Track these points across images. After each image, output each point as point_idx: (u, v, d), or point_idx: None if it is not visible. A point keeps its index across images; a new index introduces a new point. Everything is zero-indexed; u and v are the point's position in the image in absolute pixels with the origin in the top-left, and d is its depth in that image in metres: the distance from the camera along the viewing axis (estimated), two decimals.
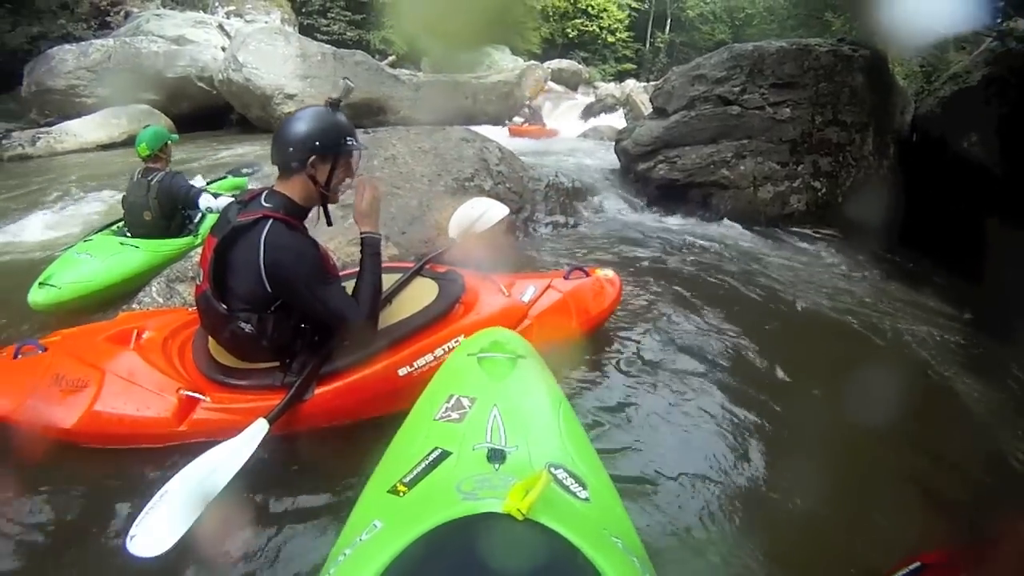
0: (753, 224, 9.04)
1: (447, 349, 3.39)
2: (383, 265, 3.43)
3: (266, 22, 22.16)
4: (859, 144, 9.32)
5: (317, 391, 3.23)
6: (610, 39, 49.05)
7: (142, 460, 3.11)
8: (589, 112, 25.97)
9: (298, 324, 3.18)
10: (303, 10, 30.08)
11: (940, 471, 3.83)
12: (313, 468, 3.16)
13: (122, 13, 20.62)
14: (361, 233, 3.40)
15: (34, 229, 7.70)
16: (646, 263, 6.82)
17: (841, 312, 6.12)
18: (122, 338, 3.49)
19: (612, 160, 11.21)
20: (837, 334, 5.65)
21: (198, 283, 3.20)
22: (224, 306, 3.02)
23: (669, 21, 52.86)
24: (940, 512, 3.49)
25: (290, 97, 15.11)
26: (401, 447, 2.33)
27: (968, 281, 7.35)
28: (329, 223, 3.42)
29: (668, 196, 9.58)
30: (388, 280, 3.56)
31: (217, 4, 23.47)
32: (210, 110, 17.27)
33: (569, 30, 47.26)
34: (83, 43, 16.61)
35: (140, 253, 5.56)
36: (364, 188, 3.40)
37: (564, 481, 1.94)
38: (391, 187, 5.86)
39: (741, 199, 9.20)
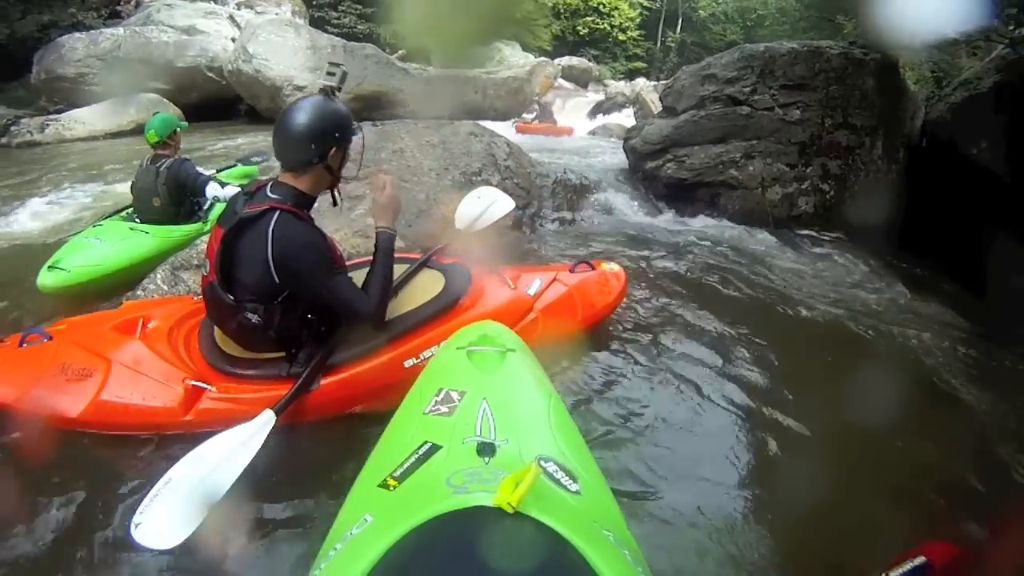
0: (760, 225, 9.02)
1: None
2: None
3: (276, 14, 22.14)
4: (868, 148, 9.28)
5: (323, 382, 3.24)
6: (621, 37, 49.02)
7: (147, 449, 3.13)
8: (598, 110, 25.99)
9: (304, 315, 3.19)
10: (313, 2, 30.08)
11: (941, 472, 3.83)
12: (309, 460, 3.17)
13: (133, 2, 20.65)
14: (376, 227, 3.40)
15: (41, 215, 7.75)
16: (652, 260, 6.82)
17: (845, 315, 6.11)
18: (128, 327, 3.49)
19: (621, 158, 11.15)
20: (840, 336, 5.64)
21: (204, 273, 3.21)
22: (231, 297, 3.03)
23: (680, 20, 52.87)
24: (941, 511, 3.49)
25: (299, 89, 15.06)
26: (391, 441, 2.33)
27: (974, 288, 7.33)
28: (335, 204, 3.44)
29: (676, 195, 9.57)
30: (395, 271, 3.54)
31: None
32: (219, 100, 17.30)
33: (580, 27, 47.24)
34: (93, 31, 16.66)
35: (150, 238, 5.59)
36: (383, 183, 3.43)
37: (554, 474, 1.95)
38: (399, 180, 5.83)
39: (749, 200, 9.16)
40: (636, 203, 9.21)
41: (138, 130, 7.41)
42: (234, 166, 8.21)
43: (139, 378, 3.17)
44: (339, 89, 3.25)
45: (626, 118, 22.79)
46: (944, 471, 3.83)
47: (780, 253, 8.09)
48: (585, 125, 22.31)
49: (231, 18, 19.66)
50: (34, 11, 17.52)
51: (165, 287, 4.65)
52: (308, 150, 3.06)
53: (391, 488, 1.93)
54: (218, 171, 6.92)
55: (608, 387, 4.05)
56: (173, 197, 5.77)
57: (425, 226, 5.53)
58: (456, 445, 2.11)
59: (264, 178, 3.30)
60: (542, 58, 29.14)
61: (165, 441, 3.13)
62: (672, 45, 52.72)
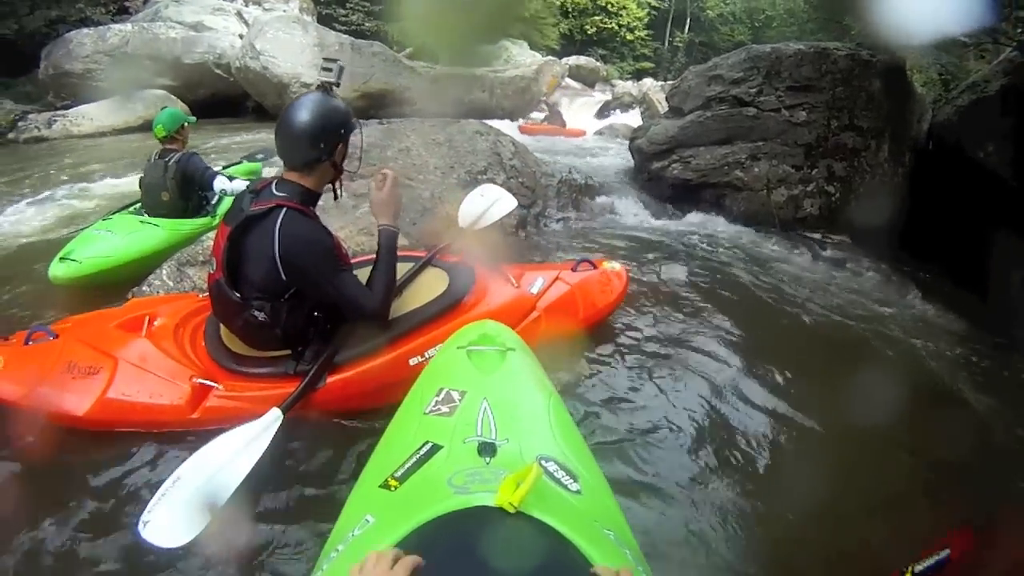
0: (765, 226, 9.01)
1: None
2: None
3: (284, 11, 22.11)
4: (875, 150, 9.27)
5: (328, 379, 3.26)
6: (629, 37, 48.88)
7: (154, 446, 3.14)
8: (605, 110, 25.92)
9: (311, 313, 3.22)
10: None
11: (946, 471, 3.86)
12: (312, 459, 3.18)
13: None
14: (379, 225, 3.41)
15: (47, 211, 7.76)
16: (655, 260, 6.83)
17: (849, 317, 6.13)
18: (134, 325, 3.52)
19: (626, 158, 11.20)
20: (843, 338, 5.66)
21: (211, 271, 3.23)
22: (238, 294, 3.06)
23: (689, 21, 52.71)
24: (953, 505, 3.51)
25: (306, 86, 14.70)
26: (392, 441, 2.35)
27: (980, 292, 7.32)
28: (337, 197, 3.47)
29: (681, 196, 9.57)
30: (400, 269, 3.58)
31: None
32: (227, 97, 17.32)
33: (588, 27, 47.10)
34: (101, 27, 16.67)
35: (160, 231, 5.64)
36: (384, 179, 3.43)
37: (555, 473, 1.96)
38: (404, 178, 5.88)
39: (754, 201, 9.16)
40: (641, 203, 9.19)
41: (145, 126, 7.42)
42: (239, 163, 8.23)
43: (146, 376, 3.19)
44: (337, 84, 3.27)
45: (633, 118, 22.68)
46: (950, 471, 3.85)
47: (784, 255, 8.10)
48: (592, 125, 22.24)
49: (239, 14, 19.68)
50: (42, 6, 17.51)
51: (171, 283, 4.67)
52: (316, 149, 3.08)
53: (392, 489, 1.95)
54: (224, 168, 6.92)
55: (609, 386, 4.07)
56: (182, 191, 5.79)
57: (430, 224, 5.54)
58: (457, 445, 2.12)
59: (269, 176, 3.31)
60: (549, 57, 29.08)
61: (172, 439, 3.14)
62: (680, 45, 52.54)
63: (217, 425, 2.96)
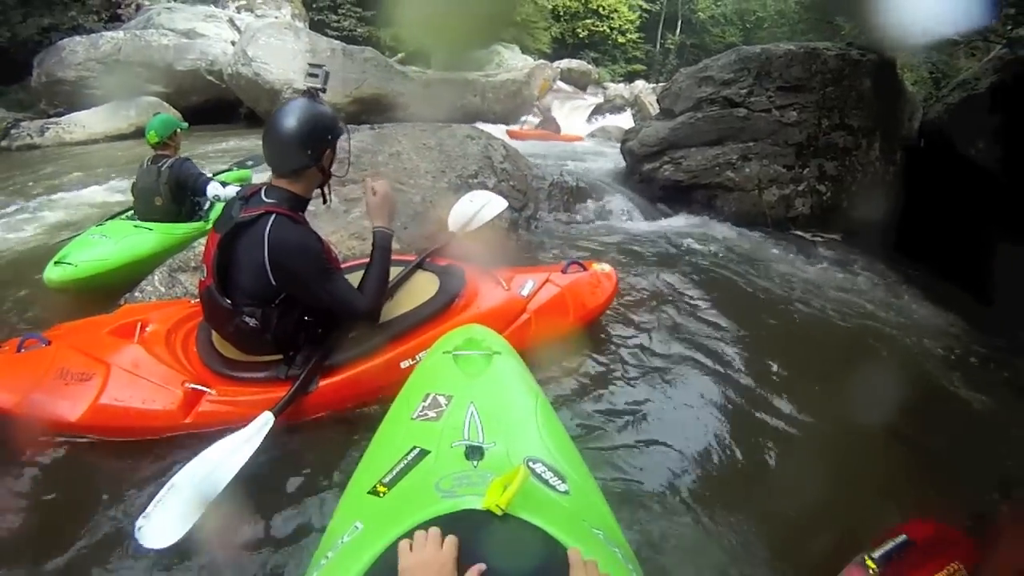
0: (757, 226, 9.04)
1: None
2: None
3: (276, 17, 22.14)
4: (865, 149, 9.30)
5: (320, 383, 3.28)
6: (620, 40, 48.85)
7: (148, 452, 3.14)
8: (597, 112, 25.88)
9: (301, 317, 3.23)
10: (313, 5, 30.02)
11: (927, 463, 3.91)
12: (303, 465, 3.17)
13: (133, 6, 20.65)
14: (373, 227, 3.44)
15: (40, 218, 7.77)
16: (647, 261, 6.85)
17: (839, 315, 6.16)
18: (126, 331, 3.52)
19: (618, 160, 11.21)
20: (832, 336, 5.70)
21: (202, 278, 3.23)
22: (228, 301, 3.07)
23: (680, 23, 52.72)
24: (928, 498, 3.53)
25: (298, 92, 14.50)
26: (380, 447, 2.36)
27: (971, 289, 7.34)
28: (326, 201, 3.48)
29: (673, 197, 9.60)
30: (391, 272, 3.58)
31: None
32: (219, 104, 17.30)
33: (579, 30, 47.04)
34: (93, 35, 16.70)
35: (154, 235, 5.65)
36: (374, 184, 3.45)
37: (543, 475, 1.97)
38: (395, 183, 5.87)
39: (746, 201, 9.19)
40: (633, 205, 9.19)
41: (138, 133, 7.43)
42: (229, 170, 8.23)
43: (138, 382, 3.19)
44: (323, 90, 3.30)
45: (625, 120, 22.67)
46: (929, 463, 3.90)
47: (776, 254, 8.11)
48: (583, 128, 22.20)
49: (231, 21, 19.69)
50: (35, 14, 17.53)
51: (163, 289, 4.66)
52: (304, 155, 3.09)
53: (381, 495, 1.95)
54: (214, 175, 6.94)
55: (598, 387, 4.08)
56: (174, 196, 5.81)
57: (421, 228, 5.54)
58: (444, 449, 2.12)
59: (258, 182, 3.32)
60: (541, 61, 29.10)
61: (164, 444, 3.15)
62: (671, 47, 52.58)
63: (210, 430, 2.98)
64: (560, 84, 30.84)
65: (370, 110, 15.85)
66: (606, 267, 4.73)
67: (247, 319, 3.07)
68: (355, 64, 16.17)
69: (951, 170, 8.81)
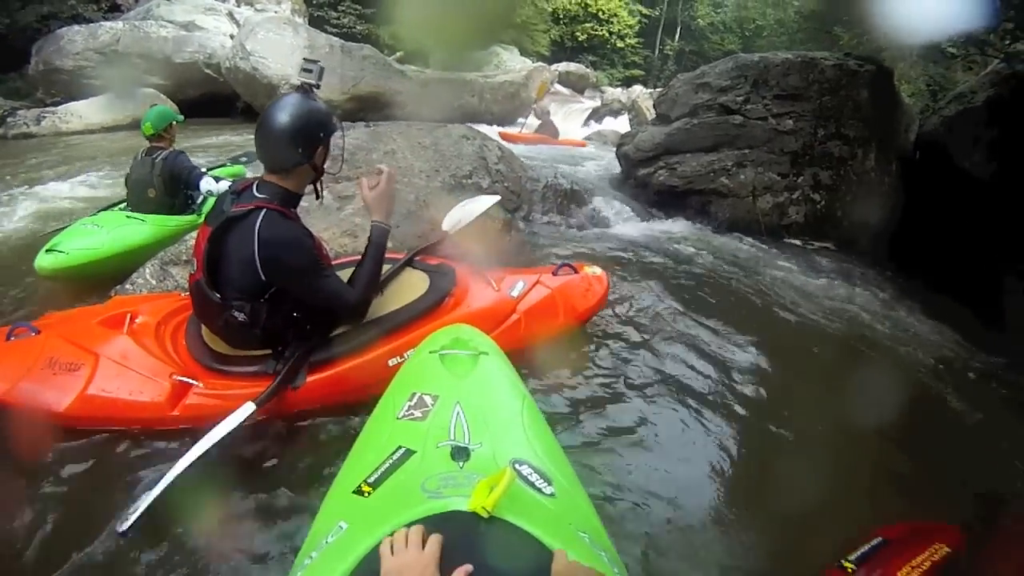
0: (750, 233, 9.07)
1: None
2: None
3: (276, 12, 22.06)
4: (861, 159, 9.32)
5: (308, 379, 3.27)
6: (619, 44, 48.85)
7: (133, 444, 3.13)
8: (594, 116, 25.87)
9: (290, 313, 3.22)
10: (313, 2, 30.00)
11: (912, 473, 3.91)
12: (288, 464, 3.16)
13: None
14: (372, 221, 3.47)
15: (34, 207, 7.73)
16: (638, 265, 6.85)
17: (830, 323, 6.18)
18: (115, 322, 3.50)
19: (614, 164, 11.28)
20: (822, 343, 5.72)
21: (192, 272, 3.23)
22: (218, 295, 3.06)
23: (679, 29, 52.74)
24: (910, 506, 3.54)
25: (294, 87, 14.42)
26: (365, 447, 2.35)
27: (964, 301, 7.37)
28: (319, 197, 3.52)
29: (667, 202, 9.62)
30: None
31: None
32: (217, 97, 17.23)
33: (579, 33, 47.02)
34: (93, 25, 16.66)
35: (146, 227, 5.65)
36: (379, 176, 3.49)
37: (529, 477, 1.97)
38: None
39: (740, 208, 9.21)
40: (627, 209, 9.18)
41: (134, 125, 7.39)
42: (223, 165, 8.22)
43: (126, 373, 3.18)
44: (317, 86, 3.28)
45: (622, 125, 22.63)
46: (914, 470, 3.90)
47: (768, 261, 8.13)
48: (580, 131, 22.14)
49: (230, 15, 19.63)
50: (34, 2, 17.48)
51: (154, 282, 4.66)
52: (295, 152, 3.09)
53: (366, 494, 1.95)
54: (208, 170, 6.93)
55: (586, 389, 4.09)
56: (168, 188, 5.81)
57: (414, 227, 5.54)
58: (430, 450, 2.12)
59: (250, 177, 3.31)
60: (539, 63, 29.10)
61: (151, 435, 3.14)
62: (670, 53, 52.54)
63: (197, 423, 2.97)
64: (558, 87, 30.84)
65: (367, 108, 15.82)
66: (597, 270, 4.71)
67: (236, 313, 3.06)
68: (353, 61, 16.15)
69: (946, 182, 8.86)
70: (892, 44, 9.92)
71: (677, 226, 9.20)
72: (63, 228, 5.53)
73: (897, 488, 3.76)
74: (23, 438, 3.04)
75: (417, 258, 4.15)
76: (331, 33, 20.31)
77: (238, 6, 21.53)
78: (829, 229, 9.30)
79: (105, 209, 6.02)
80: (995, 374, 5.75)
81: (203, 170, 6.11)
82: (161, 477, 2.60)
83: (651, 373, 4.43)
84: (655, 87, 35.24)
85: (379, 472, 2.02)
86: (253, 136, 3.17)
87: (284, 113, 3.07)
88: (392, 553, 1.45)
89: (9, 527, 2.68)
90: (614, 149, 11.63)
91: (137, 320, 3.53)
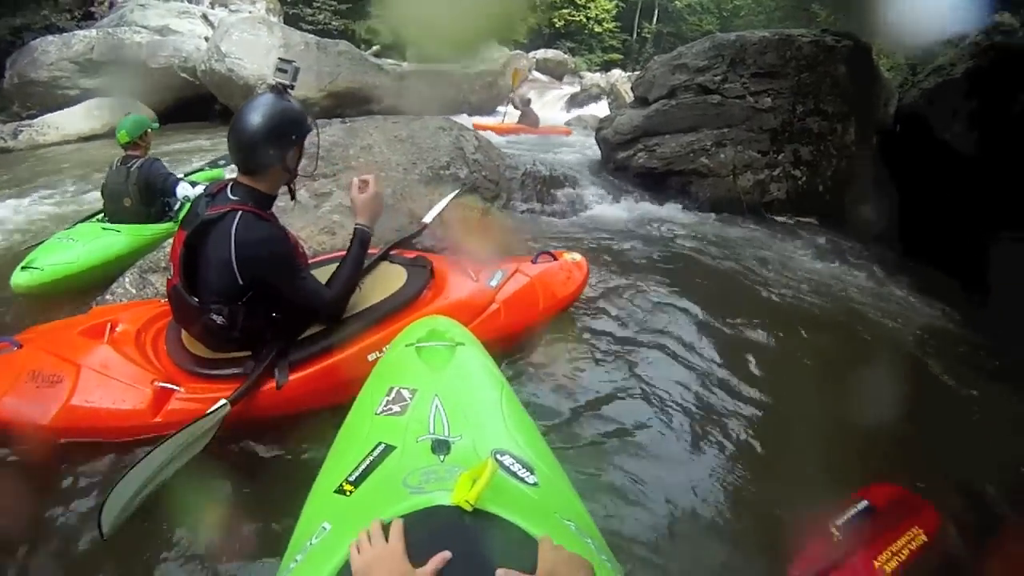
0: (732, 212, 9.16)
1: None
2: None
3: (250, 11, 21.98)
4: (841, 134, 9.39)
5: (290, 377, 3.25)
6: (597, 29, 48.95)
7: (119, 452, 3.11)
8: (574, 102, 25.95)
9: (269, 314, 3.21)
10: None
11: (894, 438, 3.93)
12: (271, 465, 3.16)
13: (106, 3, 20.47)
14: (356, 223, 3.48)
15: (13, 222, 7.67)
16: (619, 249, 6.88)
17: (812, 298, 6.23)
18: (96, 332, 3.47)
19: (593, 149, 11.33)
20: (805, 317, 5.75)
21: (169, 277, 3.21)
22: (196, 299, 3.05)
23: (657, 12, 52.82)
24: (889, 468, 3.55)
25: (269, 87, 14.37)
26: (345, 445, 2.34)
27: (945, 270, 7.42)
28: (293, 198, 3.54)
29: (647, 184, 9.66)
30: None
31: None
32: (194, 101, 17.10)
33: (556, 20, 47.09)
34: (66, 34, 16.50)
35: (122, 237, 5.60)
36: (366, 182, 3.53)
37: (511, 467, 1.97)
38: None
39: (720, 187, 9.27)
40: (607, 193, 9.25)
41: (112, 133, 7.39)
42: (202, 169, 8.19)
43: (108, 382, 3.16)
44: (292, 86, 3.24)
45: (601, 109, 22.69)
46: (895, 435, 3.92)
47: (751, 239, 8.20)
48: (560, 117, 22.13)
49: (204, 17, 19.53)
50: (6, 14, 17.35)
51: (133, 290, 4.63)
52: (267, 153, 3.06)
53: (348, 493, 1.94)
54: (186, 174, 6.89)
55: (567, 377, 4.08)
56: (143, 197, 5.76)
57: (392, 221, 5.50)
58: (410, 444, 2.11)
59: (224, 179, 3.29)
60: (517, 51, 29.07)
61: (136, 443, 3.12)
62: (648, 36, 52.68)
63: (180, 428, 2.94)
64: (536, 74, 30.92)
65: (344, 104, 15.78)
66: (577, 256, 4.76)
67: (214, 316, 3.04)
68: (329, 57, 16.09)
69: (927, 154, 8.87)
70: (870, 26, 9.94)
71: (658, 208, 9.24)
72: (39, 243, 5.51)
73: (883, 457, 3.77)
74: (7, 452, 3.03)
75: (394, 252, 4.15)
76: (306, 30, 20.29)
77: (212, 8, 21.46)
78: (811, 204, 9.39)
79: (83, 220, 5.99)
80: (978, 343, 5.79)
81: (179, 176, 6.09)
82: (137, 475, 2.58)
83: (632, 357, 4.44)
84: (634, 70, 35.29)
85: (360, 470, 2.01)
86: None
87: (257, 114, 3.03)
88: (359, 553, 1.44)
89: None
90: (594, 134, 11.65)
91: (117, 329, 3.51)
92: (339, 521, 1.75)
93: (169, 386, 3.17)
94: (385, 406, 2.37)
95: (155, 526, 2.65)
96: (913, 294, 6.90)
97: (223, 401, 2.97)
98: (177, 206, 5.97)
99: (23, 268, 5.02)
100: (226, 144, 3.17)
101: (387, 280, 3.83)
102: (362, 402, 2.56)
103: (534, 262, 4.44)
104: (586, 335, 4.66)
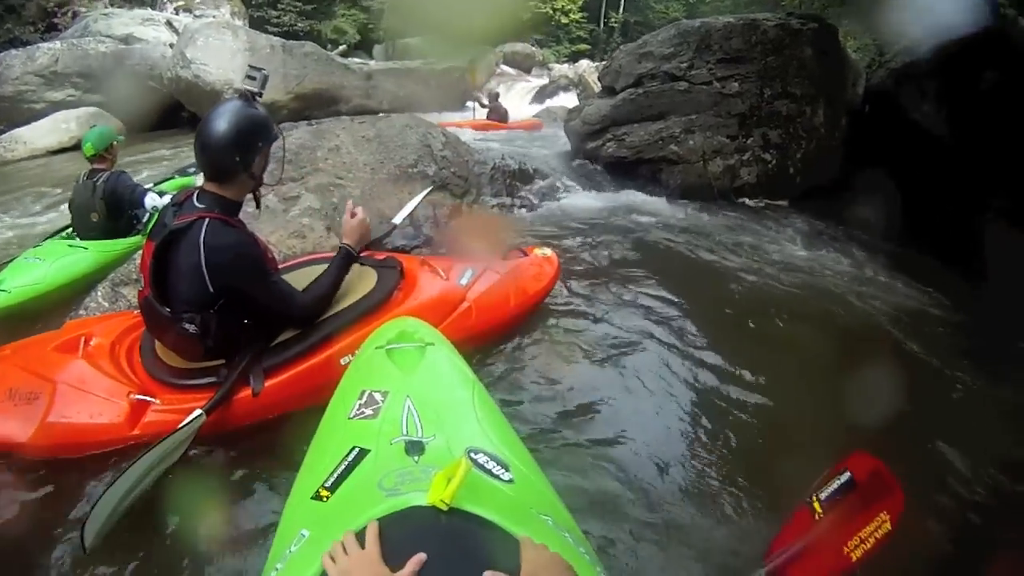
0: (703, 198, 9.19)
1: None
2: (320, 256, 3.75)
3: (215, 16, 21.99)
4: (809, 116, 9.43)
5: (266, 384, 3.25)
6: (564, 20, 48.97)
7: (98, 467, 3.09)
8: (543, 94, 25.92)
9: (241, 321, 3.21)
10: (253, 2, 29.94)
11: (871, 412, 3.86)
12: (249, 473, 3.15)
13: (69, 14, 20.39)
14: (341, 243, 3.56)
15: None
16: (591, 241, 6.88)
17: (785, 280, 6.28)
18: (70, 346, 3.45)
19: (563, 141, 11.34)
20: (779, 302, 5.78)
21: (140, 288, 3.20)
22: (167, 309, 3.03)
23: (623, 1, 52.84)
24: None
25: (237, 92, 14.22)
26: (319, 450, 2.34)
27: (917, 248, 7.49)
28: (258, 206, 3.52)
29: (617, 173, 9.72)
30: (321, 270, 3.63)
31: (166, 0, 23.25)
32: (161, 109, 17.00)
33: (523, 12, 47.11)
34: (30, 47, 16.37)
35: (89, 254, 5.56)
36: (355, 213, 3.64)
37: (485, 465, 1.97)
38: (334, 177, 5.91)
39: (691, 173, 9.32)
40: (578, 184, 9.29)
41: (80, 145, 7.34)
42: (171, 178, 8.09)
43: (85, 397, 3.15)
44: (260, 94, 3.24)
45: (571, 101, 22.63)
46: (871, 410, 3.88)
47: (722, 224, 8.25)
48: (529, 110, 22.12)
49: (169, 23, 19.46)
50: None
51: (106, 304, 4.59)
52: (232, 160, 3.04)
53: (324, 499, 1.94)
54: (156, 184, 6.86)
55: (540, 372, 4.08)
56: (111, 211, 5.72)
57: None
58: (384, 447, 2.11)
59: (191, 187, 3.29)
60: (483, 45, 29.09)
61: (116, 457, 3.10)
62: (615, 26, 52.64)
63: (158, 440, 2.93)
64: (504, 68, 30.91)
65: (312, 105, 15.69)
66: (547, 251, 4.79)
67: (187, 325, 3.03)
68: (295, 60, 15.99)
69: (896, 133, 8.94)
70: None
71: (629, 197, 9.27)
72: (7, 263, 5.48)
73: (859, 435, 3.77)
74: None
75: (364, 253, 4.14)
76: (273, 32, 20.32)
77: (176, 14, 21.39)
78: (782, 187, 9.45)
79: (51, 236, 5.98)
80: (955, 322, 5.86)
81: (147, 187, 6.04)
82: (116, 491, 2.58)
83: (606, 349, 4.46)
84: (602, 60, 35.37)
85: (335, 475, 2.01)
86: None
87: (223, 120, 3.02)
88: (334, 562, 1.44)
89: None
90: (563, 125, 11.66)
91: (92, 342, 3.48)
92: (317, 528, 1.75)
93: (145, 398, 3.16)
94: (358, 410, 2.37)
95: (137, 537, 2.65)
96: (886, 273, 6.94)
97: (198, 411, 2.97)
98: (146, 218, 5.92)
99: None
100: (192, 151, 3.16)
101: (358, 282, 3.83)
102: (335, 407, 2.55)
103: (504, 258, 4.47)
104: (559, 330, 4.66)
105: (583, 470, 3.20)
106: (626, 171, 9.61)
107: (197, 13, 22.51)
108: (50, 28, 19.71)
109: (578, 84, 26.21)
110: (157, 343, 3.41)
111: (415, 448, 2.08)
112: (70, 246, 5.61)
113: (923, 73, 8.78)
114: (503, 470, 1.97)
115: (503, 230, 7.08)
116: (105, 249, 5.64)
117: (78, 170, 6.00)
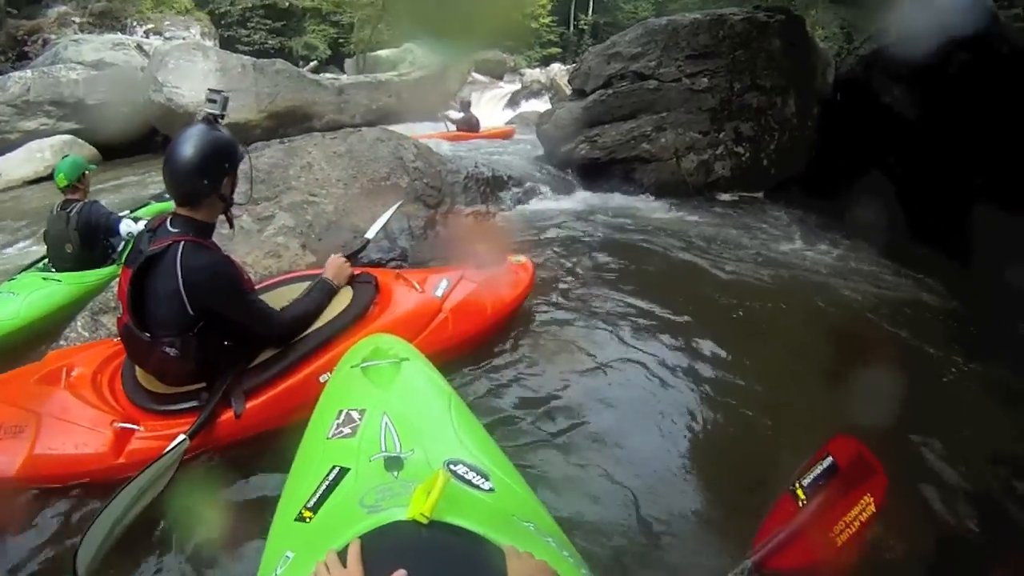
0: (678, 195, 9.24)
1: None
2: (297, 274, 3.83)
3: (185, 38, 21.87)
4: (780, 107, 9.50)
5: (247, 405, 3.27)
6: (534, 25, 48.95)
7: (85, 497, 3.10)
8: (515, 100, 25.93)
9: (221, 343, 3.23)
10: (222, 22, 29.88)
11: (846, 396, 3.89)
12: (234, 494, 3.15)
13: (40, 41, 20.29)
14: (324, 276, 3.72)
15: None
16: (566, 243, 6.91)
17: (764, 272, 6.31)
18: (52, 378, 3.46)
19: (536, 146, 11.42)
20: (758, 293, 5.81)
21: (119, 316, 3.20)
22: (147, 334, 3.04)
23: (592, 3, 52.86)
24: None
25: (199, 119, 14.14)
26: (300, 471, 2.34)
27: (895, 233, 7.48)
28: (232, 227, 3.53)
29: (591, 175, 9.75)
30: (298, 290, 3.73)
31: (136, 24, 23.16)
32: (135, 134, 16.91)
33: (495, 22, 46.95)
34: (1, 77, 16.30)
35: (63, 287, 5.54)
36: (337, 260, 3.84)
37: (465, 476, 1.98)
38: (308, 195, 5.92)
39: (664, 171, 9.36)
40: (552, 188, 9.32)
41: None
42: (147, 204, 8.02)
43: (70, 428, 3.15)
44: (222, 116, 3.28)
45: (543, 105, 22.64)
46: (847, 396, 3.90)
47: (697, 220, 8.32)
48: (502, 117, 22.13)
49: (139, 47, 19.34)
50: None
51: (86, 334, 4.58)
52: (201, 184, 3.07)
53: (307, 519, 1.94)
54: (132, 210, 6.84)
55: (518, 381, 4.10)
56: (85, 241, 5.70)
57: (335, 238, 5.47)
58: (364, 464, 2.12)
59: (165, 213, 3.30)
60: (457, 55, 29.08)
61: (102, 486, 3.10)
62: (585, 28, 52.68)
63: (144, 467, 2.93)
64: (475, 75, 30.90)
65: (286, 123, 15.70)
66: (522, 258, 4.81)
67: (167, 349, 3.05)
68: (266, 78, 15.97)
69: (868, 119, 8.97)
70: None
71: (603, 198, 9.34)
72: None
73: (832, 412, 3.82)
74: None
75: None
76: (243, 51, 20.34)
77: (146, 37, 21.30)
78: (756, 180, 9.54)
79: (26, 268, 5.96)
80: (933, 305, 5.94)
81: (121, 214, 6.02)
82: (105, 520, 2.60)
83: (584, 353, 4.46)
84: (573, 63, 35.46)
85: (317, 496, 2.02)
86: None
87: (188, 146, 3.04)
88: None
89: None
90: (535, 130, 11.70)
91: (73, 373, 3.50)
92: (301, 549, 1.75)
93: (129, 426, 3.17)
94: (336, 429, 2.38)
95: (127, 561, 2.67)
96: (865, 259, 6.99)
97: (181, 436, 2.99)
98: (120, 246, 5.91)
99: None
100: None
101: (334, 299, 3.84)
102: (314, 427, 2.56)
103: (479, 267, 4.46)
104: (535, 336, 4.67)
105: (565, 475, 3.22)
106: (600, 172, 9.64)
107: (167, 35, 22.42)
108: (21, 56, 19.59)
109: (550, 88, 26.33)
110: (138, 370, 3.41)
111: (394, 463, 2.09)
112: (44, 279, 5.59)
113: (893, 57, 8.79)
114: (483, 480, 1.98)
115: (479, 238, 7.08)
116: (79, 280, 5.64)
117: (53, 200, 5.97)
